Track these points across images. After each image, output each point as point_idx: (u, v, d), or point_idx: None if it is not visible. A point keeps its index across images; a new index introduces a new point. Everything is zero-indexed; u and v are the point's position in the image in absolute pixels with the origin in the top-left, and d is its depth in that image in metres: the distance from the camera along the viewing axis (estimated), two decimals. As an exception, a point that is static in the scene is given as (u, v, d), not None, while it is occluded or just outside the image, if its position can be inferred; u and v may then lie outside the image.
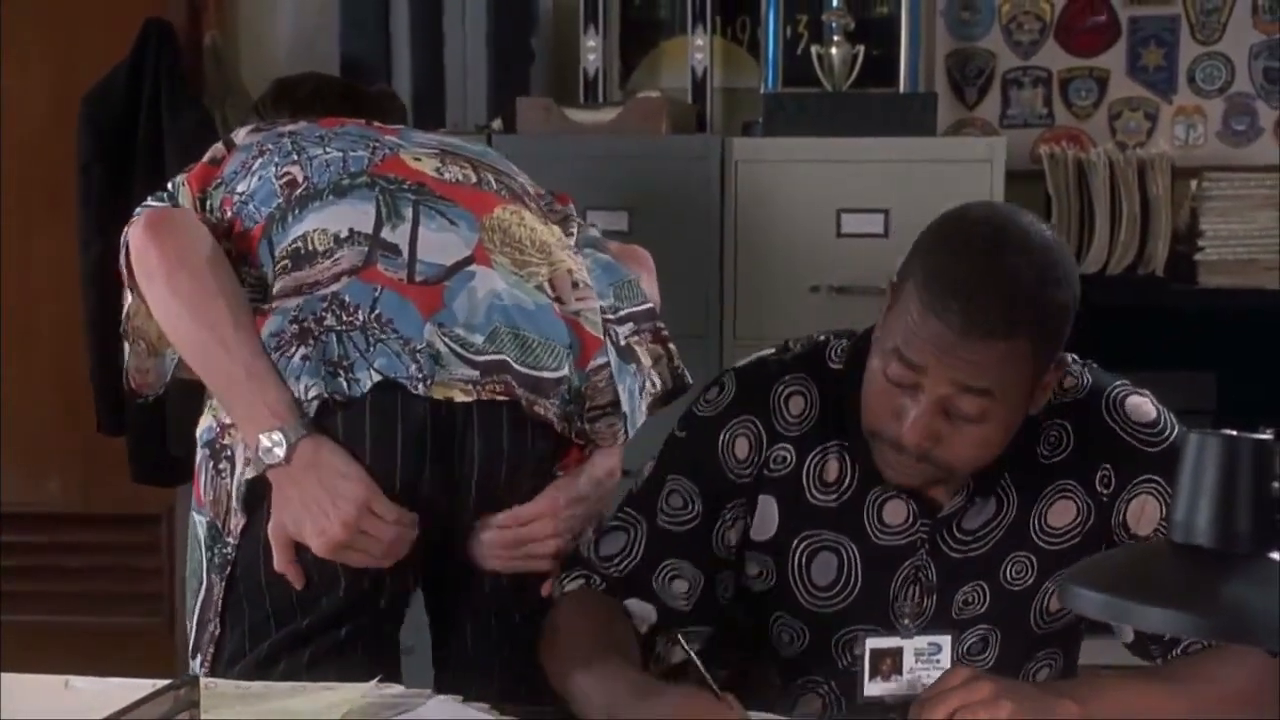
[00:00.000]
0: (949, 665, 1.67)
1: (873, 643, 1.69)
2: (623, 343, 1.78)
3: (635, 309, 1.82)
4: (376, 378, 1.66)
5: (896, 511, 1.72)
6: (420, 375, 1.67)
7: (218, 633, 1.76)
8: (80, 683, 1.56)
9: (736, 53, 3.35)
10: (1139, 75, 3.29)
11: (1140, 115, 3.30)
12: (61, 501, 3.59)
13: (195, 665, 1.79)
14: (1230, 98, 3.27)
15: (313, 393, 1.66)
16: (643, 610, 1.71)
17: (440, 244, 1.74)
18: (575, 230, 1.90)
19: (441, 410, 1.68)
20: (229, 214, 1.81)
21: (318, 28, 3.41)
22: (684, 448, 1.76)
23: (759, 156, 2.95)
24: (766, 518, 1.74)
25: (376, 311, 1.68)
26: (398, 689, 1.56)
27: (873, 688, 1.70)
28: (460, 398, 1.68)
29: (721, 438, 1.74)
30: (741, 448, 1.74)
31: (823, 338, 1.79)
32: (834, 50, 3.04)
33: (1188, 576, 1.05)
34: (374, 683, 1.55)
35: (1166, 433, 1.72)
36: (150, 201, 1.84)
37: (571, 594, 1.74)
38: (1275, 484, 1.07)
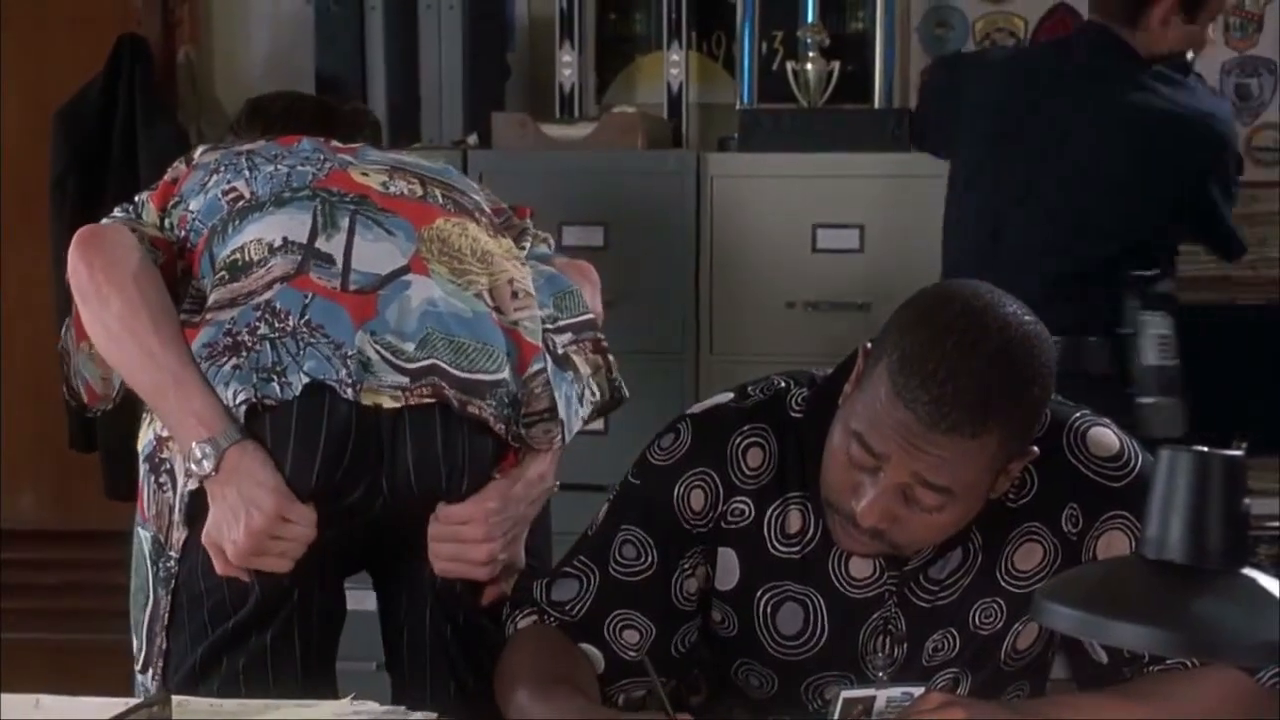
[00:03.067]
0: None
1: (847, 693, 1.64)
2: (560, 351, 1.79)
3: (575, 319, 1.83)
4: (307, 380, 1.67)
5: (862, 565, 1.69)
6: (350, 380, 1.68)
7: (165, 645, 1.78)
8: (51, 701, 1.55)
9: (712, 68, 3.35)
10: (1112, 91, 3.31)
11: (1113, 131, 3.31)
12: (34, 518, 3.56)
13: (146, 680, 1.80)
14: (1202, 114, 3.28)
15: (240, 398, 1.67)
16: (592, 656, 1.69)
17: (376, 253, 1.76)
18: (529, 243, 1.92)
19: (369, 416, 1.69)
20: (183, 231, 1.84)
21: (293, 44, 3.40)
22: (638, 497, 1.73)
23: (734, 172, 2.96)
24: (727, 569, 1.72)
25: (306, 317, 1.70)
26: (373, 705, 1.56)
27: None
28: (389, 404, 1.69)
29: (677, 490, 1.71)
30: (697, 499, 1.71)
31: (783, 384, 1.75)
32: (809, 66, 3.05)
33: (1160, 592, 1.05)
34: (349, 699, 1.55)
35: (1131, 464, 1.69)
36: (116, 213, 1.87)
37: (525, 630, 1.72)
38: (1246, 500, 1.07)
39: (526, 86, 3.35)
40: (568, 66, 3.21)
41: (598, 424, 1.96)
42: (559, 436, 1.77)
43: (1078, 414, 1.72)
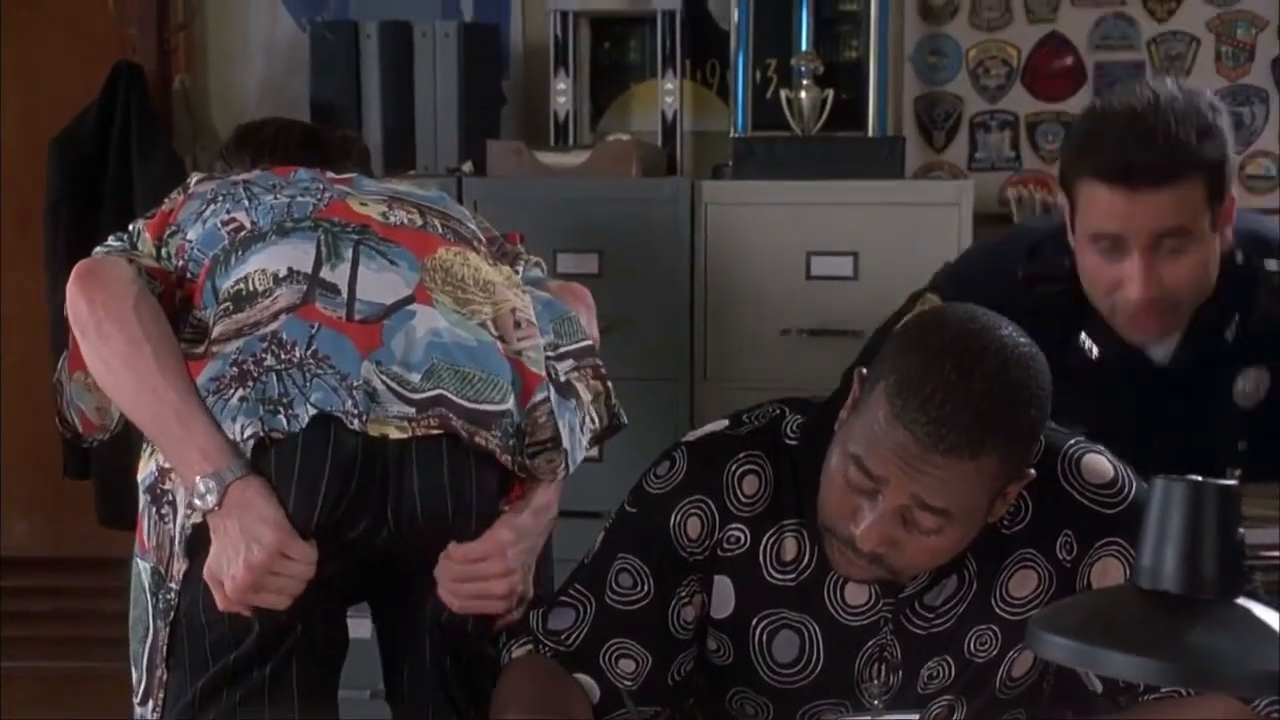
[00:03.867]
0: None
1: None
2: (562, 379, 1.79)
3: (575, 346, 1.83)
4: (313, 412, 1.66)
5: (858, 592, 1.70)
6: (356, 411, 1.67)
7: (165, 677, 1.77)
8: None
9: (706, 96, 3.36)
10: (1105, 119, 3.32)
11: (1106, 159, 3.32)
12: (29, 545, 3.56)
13: (146, 712, 1.80)
14: (1195, 142, 3.30)
15: (248, 432, 1.67)
16: (587, 686, 1.69)
17: (380, 283, 1.75)
18: (522, 267, 1.93)
19: (375, 446, 1.68)
20: (180, 261, 1.83)
21: (288, 71, 3.41)
22: (634, 525, 1.74)
23: (729, 199, 2.96)
24: (723, 597, 1.73)
25: (313, 348, 1.69)
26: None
27: None
28: (395, 434, 1.69)
29: (673, 518, 1.71)
30: (694, 527, 1.71)
31: (777, 411, 1.76)
32: (803, 94, 3.05)
33: (1154, 622, 1.05)
34: None
35: (1125, 492, 1.70)
36: (111, 241, 1.87)
37: (519, 659, 1.72)
38: (1241, 530, 1.08)
39: (521, 114, 3.36)
40: (562, 94, 3.22)
41: (593, 451, 1.96)
42: (563, 466, 1.77)
43: (1072, 441, 1.73)
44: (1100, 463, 1.72)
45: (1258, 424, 1.98)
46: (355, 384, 1.68)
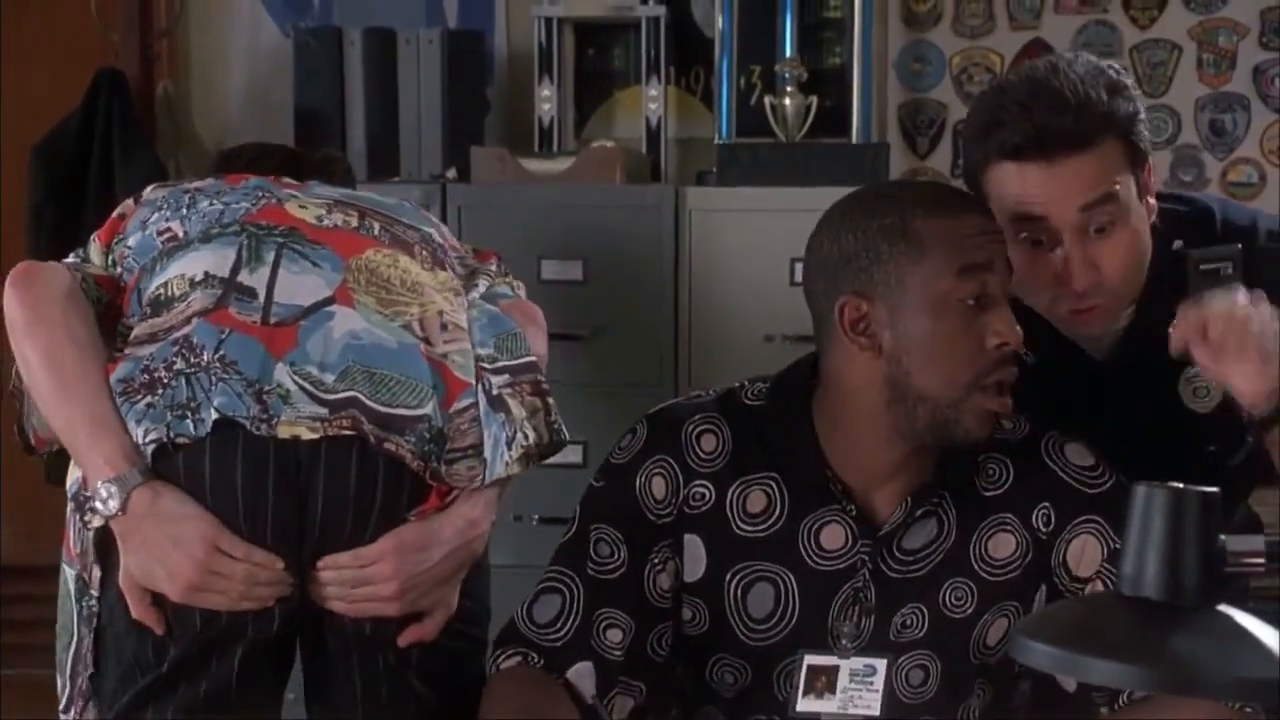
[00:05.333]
0: (881, 689, 1.69)
1: (810, 659, 1.69)
2: (495, 392, 1.76)
3: (514, 362, 1.80)
4: (216, 416, 1.66)
5: (834, 535, 1.72)
6: (264, 416, 1.66)
7: (85, 686, 1.76)
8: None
9: (690, 103, 3.37)
10: (1088, 126, 3.33)
11: (1089, 166, 3.33)
12: (9, 552, 3.54)
13: (69, 718, 1.78)
14: (1177, 149, 3.31)
15: (150, 437, 1.66)
16: (583, 675, 1.69)
17: (299, 285, 1.75)
18: (482, 285, 1.90)
19: (287, 449, 1.67)
20: (120, 269, 1.83)
21: (271, 78, 3.41)
22: (603, 496, 1.77)
23: (713, 206, 2.97)
24: (694, 558, 1.74)
25: (221, 353, 1.69)
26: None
27: (805, 704, 1.70)
28: (306, 435, 1.67)
29: (638, 480, 1.75)
30: (659, 487, 1.74)
31: (737, 384, 1.81)
32: (787, 101, 3.06)
33: (1137, 629, 1.05)
34: None
35: (1105, 478, 1.74)
36: (69, 259, 1.86)
37: (506, 671, 1.71)
38: (1222, 537, 1.08)
39: (505, 121, 3.36)
40: (547, 101, 3.22)
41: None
42: (480, 475, 1.73)
43: (1053, 430, 1.77)
44: (1083, 449, 1.76)
45: (1228, 425, 1.77)
46: (266, 388, 1.67)
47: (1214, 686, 1.03)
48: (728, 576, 1.73)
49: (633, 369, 2.90)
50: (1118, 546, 1.62)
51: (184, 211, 1.84)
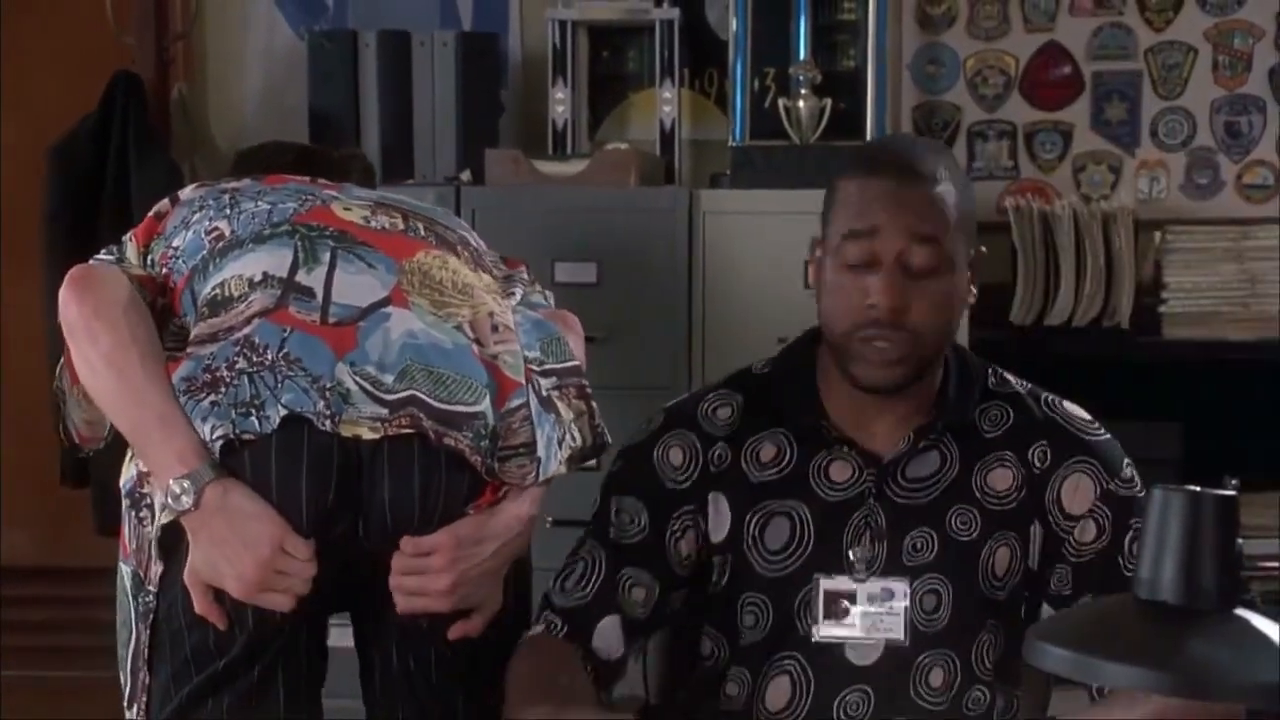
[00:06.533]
0: (903, 613, 1.77)
1: (826, 584, 1.78)
2: (544, 393, 1.79)
3: (560, 365, 1.84)
4: (284, 412, 1.67)
5: (842, 469, 1.81)
6: (328, 412, 1.67)
7: (147, 680, 1.77)
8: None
9: (704, 105, 3.37)
10: (1102, 129, 3.33)
11: (1104, 168, 3.33)
12: (24, 554, 3.55)
13: (132, 715, 1.79)
14: (1192, 151, 3.30)
15: (217, 433, 1.67)
16: (608, 630, 1.78)
17: (356, 286, 1.76)
18: (517, 293, 1.92)
19: (349, 447, 1.68)
20: (164, 269, 1.84)
21: (286, 80, 3.41)
22: (623, 474, 1.87)
23: (727, 208, 2.97)
24: (720, 514, 1.83)
25: (285, 350, 1.70)
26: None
27: (826, 628, 1.78)
28: (367, 434, 1.68)
29: (655, 453, 1.85)
30: (676, 456, 1.84)
31: (748, 365, 1.93)
32: (801, 103, 3.06)
33: (1153, 633, 1.05)
34: None
35: (1101, 432, 1.86)
36: (101, 255, 1.87)
37: (529, 639, 1.79)
38: (1239, 540, 1.08)
39: (519, 123, 3.36)
40: (561, 103, 3.22)
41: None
42: (534, 474, 1.76)
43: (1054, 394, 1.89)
44: (1080, 409, 1.87)
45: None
46: (328, 385, 1.68)
47: (1231, 690, 1.03)
48: (747, 517, 1.81)
49: (646, 371, 2.90)
50: (1110, 487, 1.81)
51: (228, 212, 1.85)
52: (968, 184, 1.83)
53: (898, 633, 1.77)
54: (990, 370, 1.89)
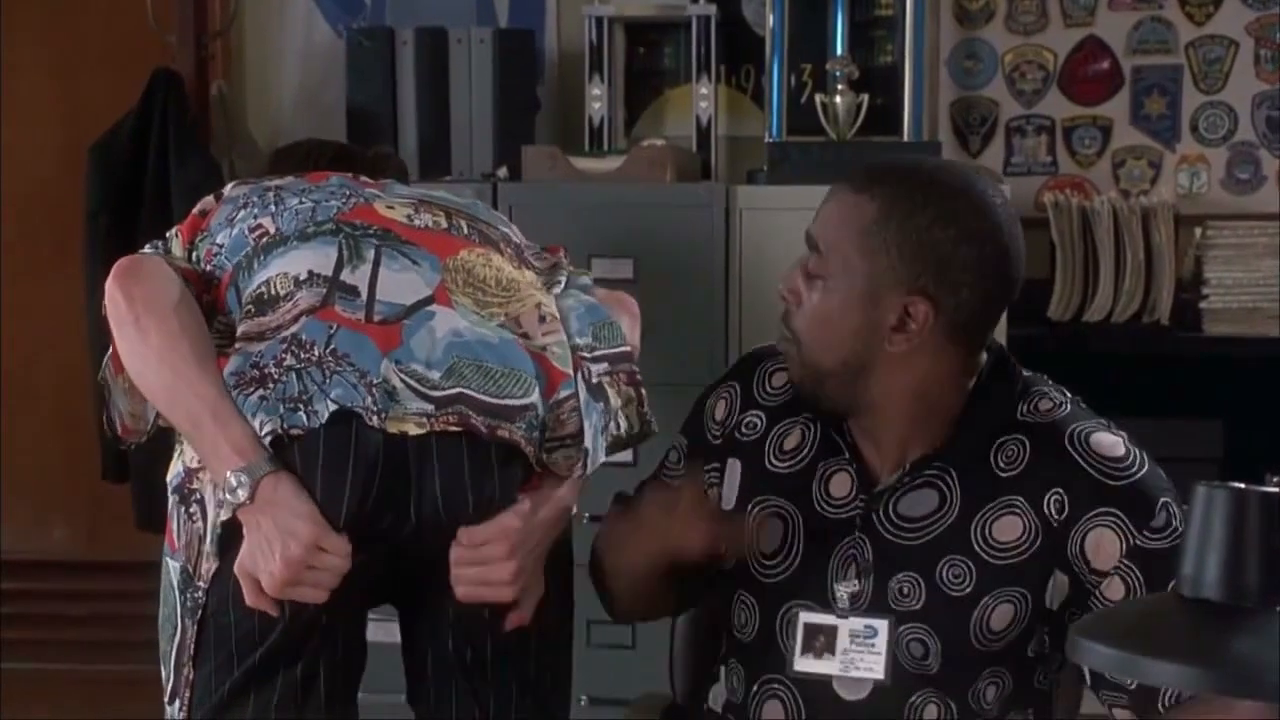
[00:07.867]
0: (884, 652, 1.69)
1: (807, 617, 1.73)
2: (594, 380, 1.79)
3: (611, 350, 1.84)
4: (333, 408, 1.67)
5: (841, 484, 1.77)
6: (375, 408, 1.68)
7: (192, 676, 1.78)
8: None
9: (741, 101, 3.36)
10: (1142, 124, 3.31)
11: (1144, 163, 3.31)
12: (65, 549, 3.58)
13: (174, 711, 1.80)
14: (1233, 146, 3.28)
15: (266, 428, 1.67)
16: None
17: (401, 284, 1.76)
18: (563, 279, 1.92)
19: (396, 442, 1.69)
20: (208, 265, 1.85)
21: (324, 77, 3.43)
22: (691, 412, 1.92)
23: (763, 204, 2.96)
24: (732, 484, 1.83)
25: (332, 346, 1.70)
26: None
27: (804, 663, 1.73)
28: (414, 431, 1.69)
29: (709, 401, 1.90)
30: (720, 410, 1.88)
31: None
32: (838, 99, 3.05)
33: (1196, 631, 1.04)
34: None
35: (1133, 470, 1.69)
36: (146, 250, 1.88)
37: (611, 514, 1.90)
38: (1284, 537, 1.07)
39: (556, 120, 3.37)
40: (597, 100, 3.23)
41: (625, 455, 1.97)
42: (581, 464, 1.77)
43: (1096, 420, 1.73)
44: (1115, 441, 1.70)
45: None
46: (374, 381, 1.68)
47: (1275, 688, 1.02)
48: (750, 506, 1.80)
49: (682, 367, 2.90)
50: (1138, 543, 1.66)
51: (273, 209, 1.86)
52: (947, 222, 1.65)
53: (878, 672, 1.69)
54: (1025, 398, 1.74)
